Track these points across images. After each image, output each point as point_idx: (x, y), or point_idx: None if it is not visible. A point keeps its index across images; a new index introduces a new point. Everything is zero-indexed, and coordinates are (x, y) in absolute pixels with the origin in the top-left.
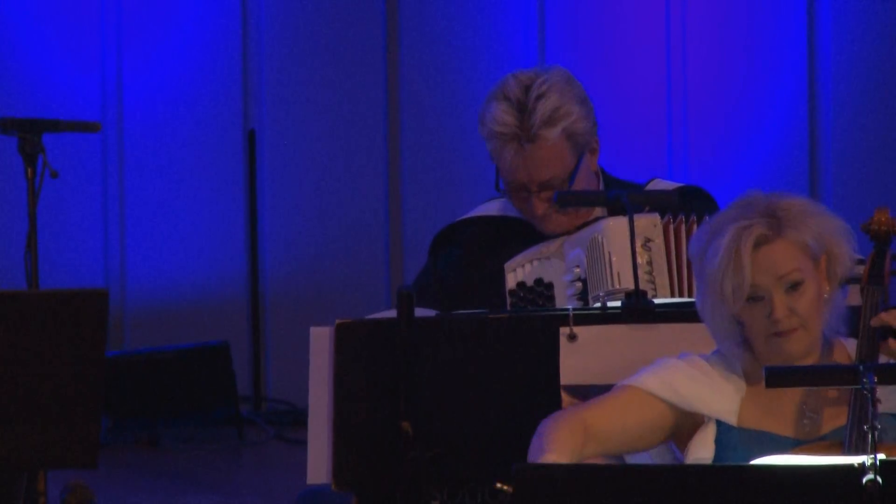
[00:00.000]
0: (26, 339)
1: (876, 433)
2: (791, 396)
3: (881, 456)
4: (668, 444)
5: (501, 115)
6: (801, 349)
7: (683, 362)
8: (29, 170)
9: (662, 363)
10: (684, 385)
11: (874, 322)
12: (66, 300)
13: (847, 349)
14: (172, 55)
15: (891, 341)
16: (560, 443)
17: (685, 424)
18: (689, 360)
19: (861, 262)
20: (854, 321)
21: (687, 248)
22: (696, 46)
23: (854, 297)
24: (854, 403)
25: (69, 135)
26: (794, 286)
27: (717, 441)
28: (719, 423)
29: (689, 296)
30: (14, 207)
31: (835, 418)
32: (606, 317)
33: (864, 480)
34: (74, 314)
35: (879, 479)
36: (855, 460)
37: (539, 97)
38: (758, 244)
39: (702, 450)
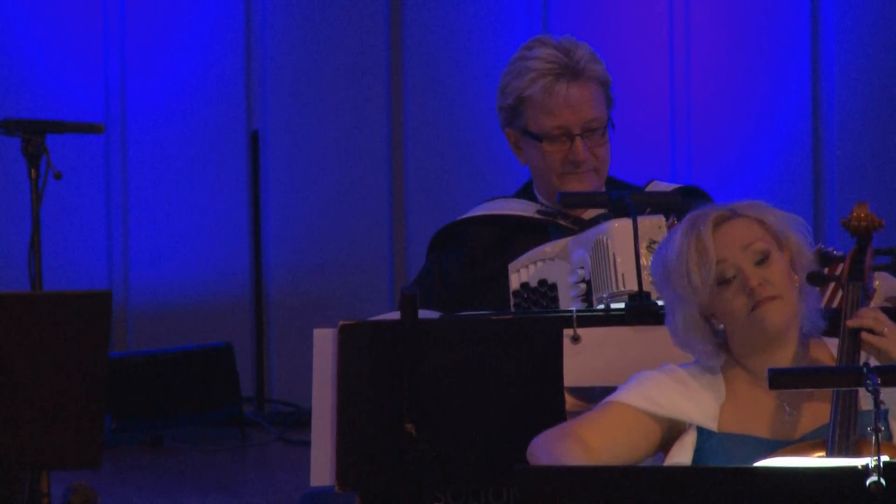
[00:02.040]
0: (30, 339)
1: (880, 435)
2: (770, 398)
3: (885, 458)
4: (657, 456)
5: (549, 53)
6: (782, 320)
7: (660, 373)
8: (32, 171)
9: (640, 377)
10: (664, 396)
11: (850, 324)
12: (69, 301)
13: (829, 347)
14: (176, 57)
15: (864, 335)
16: (568, 457)
17: (673, 435)
18: (667, 370)
19: (835, 259)
20: (835, 320)
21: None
22: (700, 49)
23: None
24: (837, 404)
25: (73, 136)
26: (763, 259)
27: (698, 448)
28: (700, 430)
29: None
30: (18, 209)
31: (814, 417)
32: (610, 318)
33: (868, 482)
34: (78, 315)
35: (883, 481)
36: (859, 462)
37: (574, 43)
38: (717, 224)
39: (679, 457)
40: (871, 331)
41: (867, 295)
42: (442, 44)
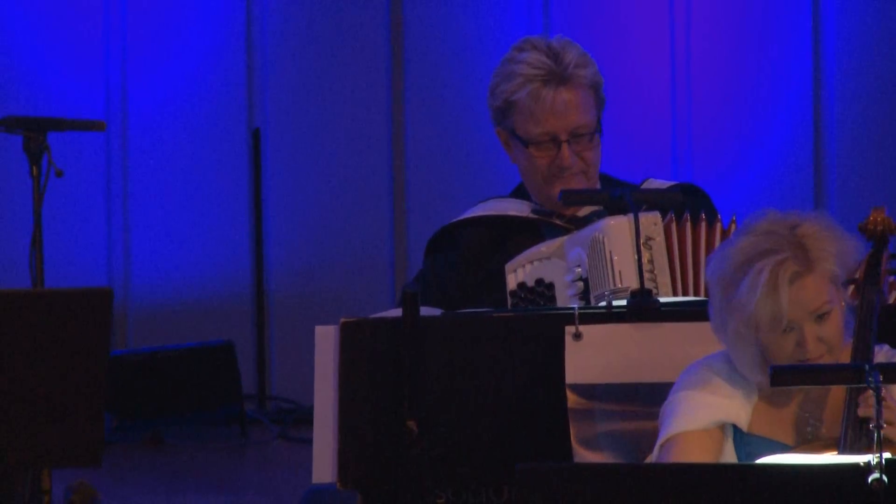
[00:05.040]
0: (30, 337)
1: (880, 432)
2: (798, 405)
3: (887, 455)
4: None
5: (536, 58)
6: None
7: (693, 391)
8: (34, 168)
9: (677, 402)
10: (707, 407)
11: (861, 413)
12: (70, 299)
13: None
14: (177, 54)
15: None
16: None
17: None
18: (696, 385)
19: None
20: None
21: (689, 251)
22: (700, 47)
23: None
24: (849, 405)
25: (74, 133)
26: (823, 316)
27: (735, 445)
28: (734, 429)
29: (690, 294)
30: (19, 206)
31: (838, 426)
32: (612, 316)
33: (870, 479)
34: (78, 313)
35: (885, 477)
36: (861, 459)
37: (563, 46)
38: (792, 280)
39: (726, 457)
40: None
41: (883, 299)
42: (443, 41)
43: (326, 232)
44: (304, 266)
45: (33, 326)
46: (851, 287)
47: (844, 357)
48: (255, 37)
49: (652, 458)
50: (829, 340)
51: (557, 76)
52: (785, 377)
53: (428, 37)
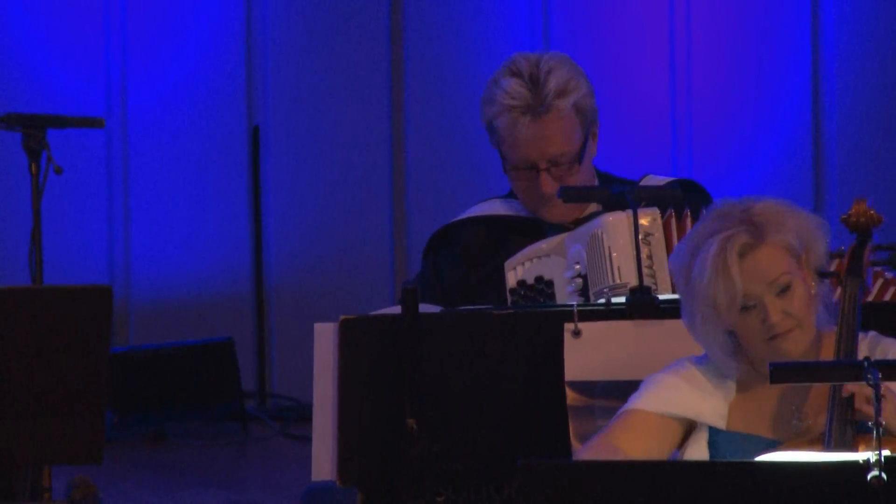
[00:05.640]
0: (31, 334)
1: (881, 429)
2: (779, 399)
3: (886, 452)
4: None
5: (514, 89)
6: (800, 348)
7: (671, 375)
8: (33, 166)
9: (652, 380)
10: (677, 396)
11: (847, 389)
12: (70, 296)
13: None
14: (177, 51)
15: (858, 405)
16: None
17: (689, 432)
18: (677, 369)
19: (833, 255)
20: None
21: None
22: (700, 44)
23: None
24: (833, 399)
25: (73, 131)
26: (784, 289)
27: (710, 445)
28: (710, 428)
29: None
30: (18, 203)
31: (821, 418)
32: (611, 313)
33: (870, 476)
34: (79, 310)
35: (885, 475)
36: (860, 456)
37: (549, 71)
38: (742, 253)
39: (695, 455)
40: (866, 397)
41: (865, 290)
42: (443, 38)
43: (326, 229)
44: (304, 263)
45: (34, 324)
46: (832, 279)
47: (827, 346)
48: (255, 34)
49: (604, 424)
50: (796, 314)
51: (533, 108)
52: (784, 374)
53: (428, 35)
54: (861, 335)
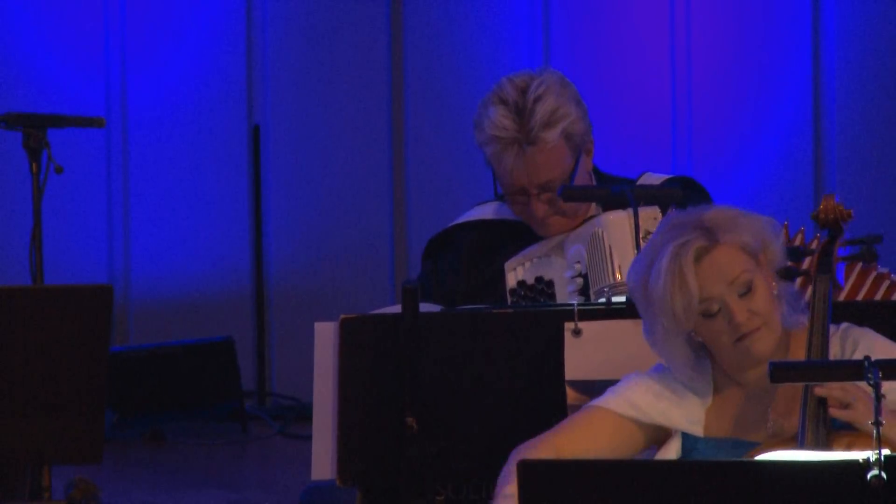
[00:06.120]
0: (31, 334)
1: (880, 428)
2: (749, 401)
3: (886, 451)
4: (652, 449)
5: (500, 120)
6: (768, 347)
7: (648, 377)
8: (33, 165)
9: (627, 380)
10: (647, 402)
11: (818, 392)
12: (70, 295)
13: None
14: (177, 50)
15: (832, 409)
16: None
17: (660, 437)
18: (655, 374)
19: (800, 253)
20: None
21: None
22: (700, 43)
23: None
24: (806, 397)
25: (74, 130)
26: (746, 290)
27: (684, 453)
28: (685, 435)
29: None
30: (18, 203)
31: (793, 417)
32: (611, 312)
33: (869, 476)
34: (79, 309)
35: (884, 474)
36: (860, 456)
37: (537, 100)
38: (698, 257)
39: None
40: (838, 402)
41: (836, 287)
42: (443, 38)
43: (326, 228)
44: (304, 263)
45: (34, 323)
46: (801, 279)
47: (796, 345)
48: (256, 33)
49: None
50: (762, 313)
51: (518, 140)
52: (785, 374)
53: (428, 34)
54: (833, 328)
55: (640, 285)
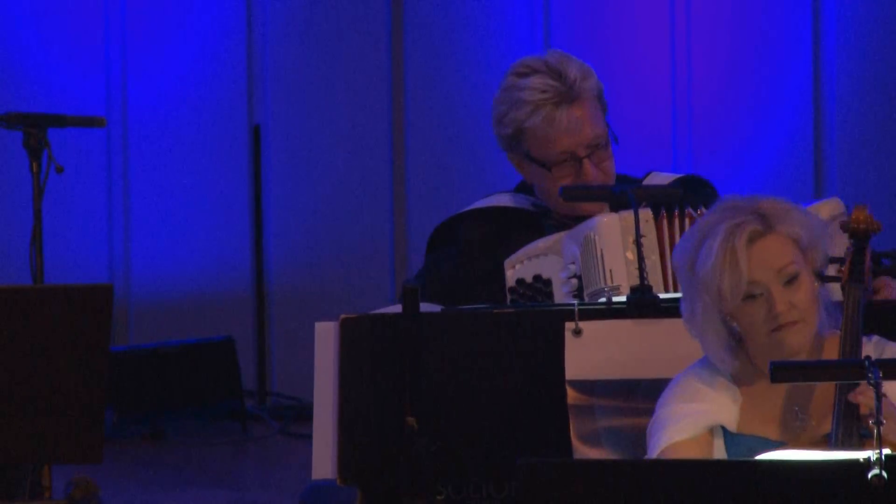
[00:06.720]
0: (31, 333)
1: (881, 428)
2: (783, 400)
3: (887, 451)
4: None
5: (542, 82)
6: (802, 342)
7: (676, 404)
8: (34, 165)
9: (663, 417)
10: (692, 414)
11: (851, 398)
12: (70, 295)
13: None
14: (177, 50)
15: (864, 420)
16: None
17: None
18: (678, 393)
19: (833, 260)
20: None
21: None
22: (701, 41)
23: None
24: (839, 401)
25: (74, 130)
26: (791, 280)
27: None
28: (724, 430)
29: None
30: (19, 202)
31: (827, 420)
32: (612, 311)
33: (870, 475)
34: (79, 309)
35: (885, 473)
36: (860, 455)
37: (562, 62)
38: (751, 239)
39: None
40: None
41: (868, 296)
42: (443, 37)
43: (327, 228)
44: (304, 262)
45: (34, 323)
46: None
47: (829, 350)
48: (256, 33)
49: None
50: (801, 307)
51: (566, 95)
52: (785, 373)
53: (428, 34)
54: (865, 339)
55: (686, 261)
